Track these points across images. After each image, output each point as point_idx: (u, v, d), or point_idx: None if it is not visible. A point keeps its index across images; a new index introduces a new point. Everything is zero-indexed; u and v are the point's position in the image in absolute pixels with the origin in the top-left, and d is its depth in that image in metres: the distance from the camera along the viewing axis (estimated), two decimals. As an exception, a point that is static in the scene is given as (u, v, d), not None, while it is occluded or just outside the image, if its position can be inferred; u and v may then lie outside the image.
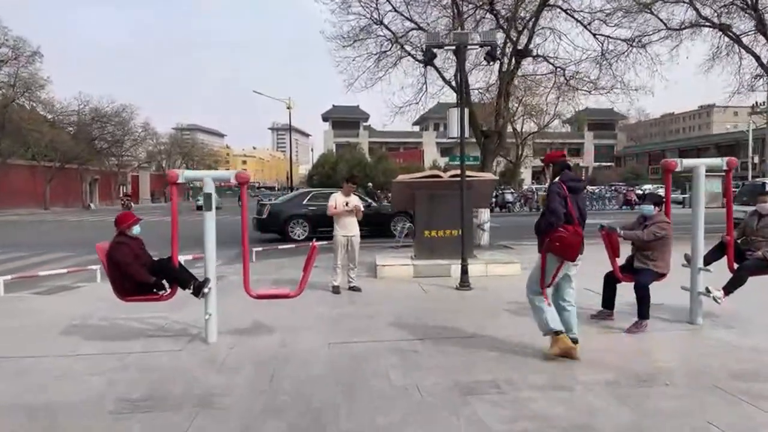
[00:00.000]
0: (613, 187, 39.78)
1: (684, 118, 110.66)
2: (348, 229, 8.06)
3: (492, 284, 8.44)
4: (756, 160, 40.82)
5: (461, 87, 8.05)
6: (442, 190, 9.45)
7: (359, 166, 39.06)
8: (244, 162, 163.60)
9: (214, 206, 5.38)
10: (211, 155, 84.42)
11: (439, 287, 8.25)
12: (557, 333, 4.61)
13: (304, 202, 16.18)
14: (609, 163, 79.62)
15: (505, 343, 5.27)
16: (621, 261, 6.04)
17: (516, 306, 6.83)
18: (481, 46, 8.11)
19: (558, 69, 13.46)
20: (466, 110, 8.28)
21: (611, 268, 5.98)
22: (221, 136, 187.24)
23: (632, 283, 5.73)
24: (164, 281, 5.40)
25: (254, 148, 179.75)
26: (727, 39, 14.57)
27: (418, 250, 9.76)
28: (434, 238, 9.59)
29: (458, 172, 9.45)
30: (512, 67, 12.73)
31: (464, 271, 8.09)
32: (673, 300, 6.42)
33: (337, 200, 8.10)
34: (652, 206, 5.78)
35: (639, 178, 61.75)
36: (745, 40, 14.25)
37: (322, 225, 14.67)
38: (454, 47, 7.98)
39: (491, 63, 8.92)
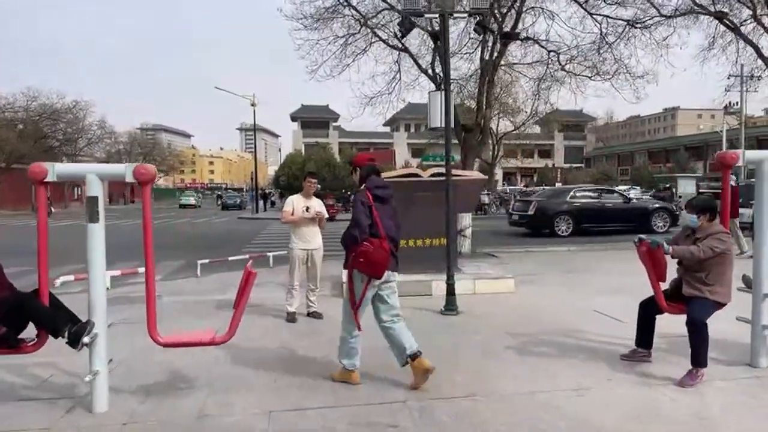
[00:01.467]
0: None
1: (650, 120, 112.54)
2: (308, 240, 6.45)
3: (482, 307, 6.94)
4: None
5: (445, 66, 6.54)
6: (421, 191, 7.94)
7: (328, 166, 37.37)
8: (211, 163, 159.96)
9: (102, 214, 3.73)
10: (174, 156, 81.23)
11: (419, 311, 6.71)
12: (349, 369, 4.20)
13: (568, 198, 16.66)
14: (579, 165, 79.69)
15: (515, 405, 3.76)
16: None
17: (519, 342, 5.34)
18: (471, 15, 6.64)
19: (551, 54, 12.05)
20: (452, 95, 6.77)
21: (633, 289, 4.53)
22: (188, 136, 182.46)
23: (673, 314, 4.34)
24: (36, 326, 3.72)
25: (221, 148, 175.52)
26: (723, 28, 13.52)
27: (392, 262, 8.21)
28: (412, 248, 8.06)
29: (439, 170, 7.98)
30: (497, 53, 11.31)
31: (450, 292, 6.58)
32: (720, 331, 5.02)
33: (295, 204, 6.50)
34: (696, 215, 4.34)
35: (609, 179, 61.80)
36: (746, 30, 13.20)
37: (585, 221, 16.08)
38: (436, 16, 6.46)
39: (482, 37, 7.55)
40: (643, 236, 4.39)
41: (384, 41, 12.14)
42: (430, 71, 11.76)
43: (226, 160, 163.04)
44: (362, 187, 4.23)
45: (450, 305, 6.56)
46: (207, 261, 10.24)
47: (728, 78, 18.75)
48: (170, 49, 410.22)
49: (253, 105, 35.37)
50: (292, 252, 6.48)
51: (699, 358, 4.11)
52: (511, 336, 5.52)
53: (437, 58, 11.59)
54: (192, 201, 53.10)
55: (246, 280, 3.87)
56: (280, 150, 60.37)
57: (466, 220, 11.31)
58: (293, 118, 75.88)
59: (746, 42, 13.22)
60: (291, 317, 6.34)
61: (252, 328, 5.78)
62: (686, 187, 33.85)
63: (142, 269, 9.02)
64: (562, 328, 5.81)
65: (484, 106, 11.74)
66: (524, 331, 5.66)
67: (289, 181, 36.36)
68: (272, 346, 5.36)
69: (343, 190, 34.97)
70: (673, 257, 4.25)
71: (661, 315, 4.53)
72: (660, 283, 4.35)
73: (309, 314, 6.51)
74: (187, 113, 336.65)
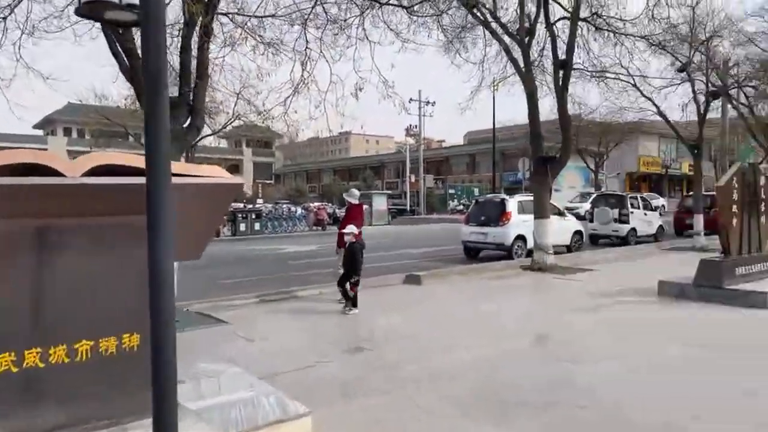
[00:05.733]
0: (303, 205, 37.56)
1: (328, 142, 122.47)
2: None
3: None
4: (413, 179, 44.18)
5: None
6: (55, 215, 2.76)
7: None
8: None
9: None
10: None
11: None
12: None
13: None
14: (269, 181, 79.15)
15: None
16: None
17: None
18: None
19: None
20: None
21: None
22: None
23: None
24: None
25: None
26: (471, 18, 11.82)
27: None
28: (26, 373, 2.77)
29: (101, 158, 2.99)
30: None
31: None
32: None
33: None
34: None
35: (302, 196, 62.22)
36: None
37: None
38: None
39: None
40: None
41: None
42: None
43: None
44: None
45: None
46: None
47: (409, 102, 18.18)
48: None
49: None
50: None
51: None
52: None
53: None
54: None
55: None
56: None
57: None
58: None
59: (495, 37, 11.74)
60: None
61: None
62: (379, 204, 36.33)
63: None
64: None
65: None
66: None
67: None
68: None
69: None
70: None
71: None
72: None
73: None
74: None
